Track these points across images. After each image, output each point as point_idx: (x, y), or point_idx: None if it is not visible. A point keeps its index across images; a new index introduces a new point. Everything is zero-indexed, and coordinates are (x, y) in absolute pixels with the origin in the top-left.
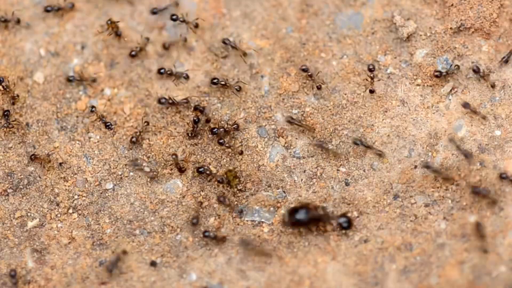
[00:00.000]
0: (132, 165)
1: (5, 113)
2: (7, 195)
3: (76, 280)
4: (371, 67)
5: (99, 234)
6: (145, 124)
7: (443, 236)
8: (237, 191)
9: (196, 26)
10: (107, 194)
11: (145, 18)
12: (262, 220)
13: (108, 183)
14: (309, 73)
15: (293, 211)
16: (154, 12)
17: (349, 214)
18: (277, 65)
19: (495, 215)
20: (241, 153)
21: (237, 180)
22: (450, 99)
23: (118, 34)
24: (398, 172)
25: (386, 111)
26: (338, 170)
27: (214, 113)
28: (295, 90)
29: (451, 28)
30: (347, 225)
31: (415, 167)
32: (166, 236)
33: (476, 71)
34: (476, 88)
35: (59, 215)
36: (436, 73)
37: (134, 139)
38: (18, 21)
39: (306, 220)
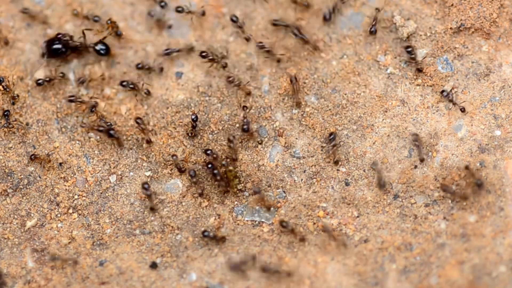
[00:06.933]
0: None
1: (5, 113)
2: (7, 195)
3: (76, 280)
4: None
5: (99, 234)
6: None
7: (443, 236)
8: (237, 191)
9: (203, 14)
10: (107, 194)
11: (145, 18)
12: (262, 220)
13: (108, 183)
14: (239, 25)
15: (49, 43)
16: (123, 84)
17: (106, 41)
18: (277, 65)
19: (495, 215)
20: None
21: (237, 180)
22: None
23: (118, 34)
24: (398, 172)
25: (386, 111)
26: (338, 170)
27: (214, 113)
28: None
29: (451, 28)
30: (105, 52)
31: (415, 167)
32: (166, 236)
33: None
34: (476, 88)
35: (59, 215)
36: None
37: None
38: (161, 70)
39: (63, 49)
